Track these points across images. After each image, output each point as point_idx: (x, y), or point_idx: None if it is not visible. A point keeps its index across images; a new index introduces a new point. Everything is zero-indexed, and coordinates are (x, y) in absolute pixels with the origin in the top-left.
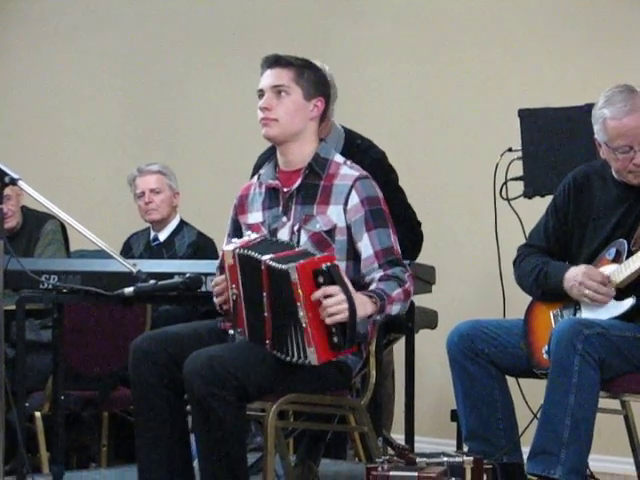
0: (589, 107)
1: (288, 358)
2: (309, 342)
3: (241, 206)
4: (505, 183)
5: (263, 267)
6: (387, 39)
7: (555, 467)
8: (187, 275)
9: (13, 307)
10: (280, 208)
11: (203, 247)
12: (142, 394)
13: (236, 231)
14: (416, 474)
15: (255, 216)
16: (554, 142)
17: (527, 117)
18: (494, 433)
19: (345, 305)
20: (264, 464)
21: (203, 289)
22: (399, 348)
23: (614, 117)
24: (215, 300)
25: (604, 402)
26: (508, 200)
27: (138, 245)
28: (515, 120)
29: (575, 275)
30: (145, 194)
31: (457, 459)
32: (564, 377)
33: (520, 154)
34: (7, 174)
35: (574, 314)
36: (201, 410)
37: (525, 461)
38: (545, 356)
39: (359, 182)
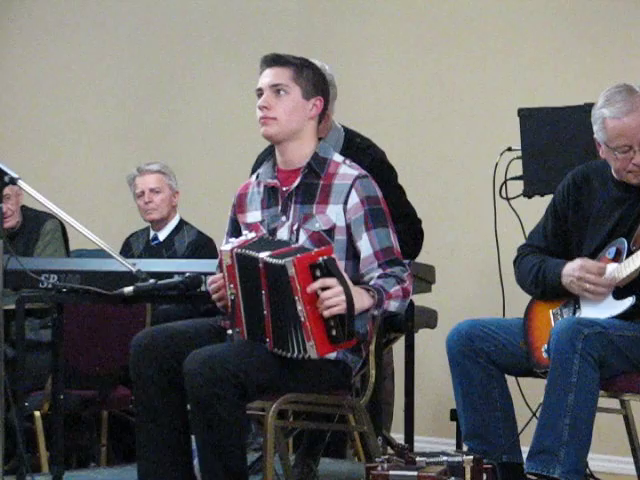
0: (589, 106)
1: (289, 354)
2: (308, 336)
3: (240, 205)
4: (505, 182)
5: (260, 264)
6: (387, 39)
7: (554, 466)
8: (187, 274)
9: (13, 307)
10: (279, 207)
11: (203, 246)
12: (143, 389)
13: (235, 230)
14: (416, 473)
15: (254, 215)
16: (554, 141)
17: (527, 116)
18: (494, 432)
19: (342, 297)
20: (264, 463)
21: (203, 288)
22: (399, 347)
23: (614, 117)
24: (213, 297)
25: (604, 401)
26: (508, 199)
27: (138, 244)
28: (515, 119)
29: (572, 270)
30: (145, 194)
31: (457, 458)
32: (564, 376)
33: (520, 153)
34: (7, 173)
35: (574, 313)
36: (201, 409)
37: (524, 460)
38: (545, 355)
39: (359, 181)
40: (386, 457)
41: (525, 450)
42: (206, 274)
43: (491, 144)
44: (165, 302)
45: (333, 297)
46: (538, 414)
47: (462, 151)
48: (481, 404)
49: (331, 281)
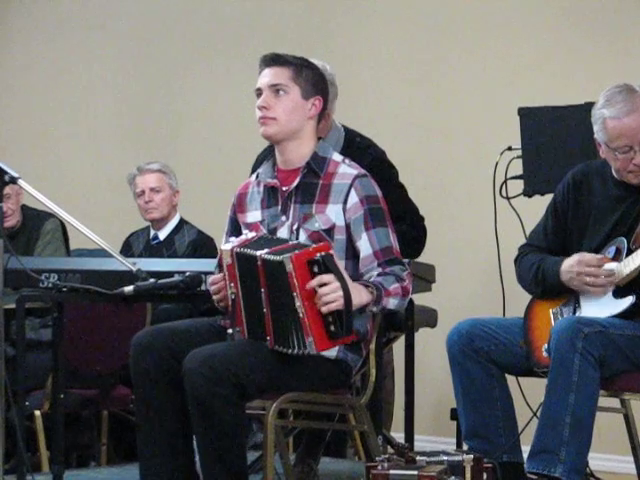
0: (589, 106)
1: (289, 351)
2: (307, 332)
3: (240, 205)
4: (505, 182)
5: (259, 262)
6: (387, 38)
7: (555, 466)
8: (187, 274)
9: (13, 306)
10: (279, 207)
11: (203, 245)
12: (143, 388)
13: (235, 230)
14: (416, 473)
15: (254, 215)
16: (554, 141)
17: (527, 116)
18: (494, 432)
19: (340, 293)
20: (264, 462)
21: (203, 287)
22: (399, 347)
23: (614, 117)
24: (214, 297)
25: (604, 401)
26: (508, 199)
27: (138, 244)
28: (515, 119)
29: (571, 266)
30: (145, 193)
31: (457, 458)
32: (564, 375)
33: (520, 153)
34: (7, 173)
35: (574, 312)
36: (200, 408)
37: (525, 460)
38: (545, 354)
39: (358, 181)
40: (386, 456)
41: (526, 449)
42: (206, 273)
43: (491, 143)
44: (165, 301)
45: (331, 293)
46: (538, 414)
47: (462, 150)
48: (481, 403)
49: (328, 277)
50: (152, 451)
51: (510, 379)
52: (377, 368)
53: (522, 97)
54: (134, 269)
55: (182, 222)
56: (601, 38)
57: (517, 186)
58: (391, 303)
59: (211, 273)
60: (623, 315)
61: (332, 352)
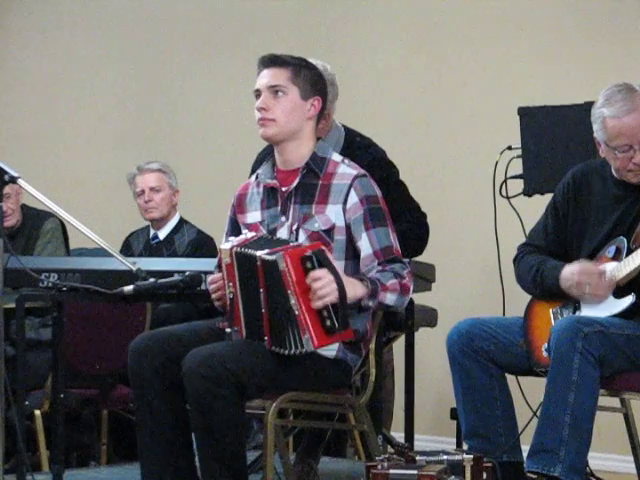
0: (588, 105)
1: (287, 351)
2: (303, 330)
3: (239, 205)
4: (505, 181)
5: (258, 262)
6: (387, 38)
7: (555, 465)
8: (187, 273)
9: (13, 305)
10: (279, 208)
11: (203, 245)
12: (142, 394)
13: (234, 230)
14: (416, 472)
15: (254, 215)
16: (554, 140)
17: (527, 115)
18: (494, 431)
19: (334, 286)
20: (264, 462)
21: (203, 287)
22: (399, 346)
23: (614, 116)
24: (212, 297)
25: (604, 400)
26: (508, 198)
27: (138, 243)
28: (515, 118)
29: (571, 274)
30: (145, 192)
31: (457, 457)
32: (564, 375)
33: (520, 152)
34: (7, 172)
35: (574, 312)
36: (200, 408)
37: (525, 459)
38: (545, 354)
39: (358, 180)
40: (386, 456)
41: (525, 449)
42: (206, 273)
43: (491, 143)
44: (165, 301)
45: (324, 287)
46: (538, 413)
47: (462, 150)
48: (481, 403)
49: (321, 272)
50: (152, 453)
51: (510, 379)
52: (377, 368)
53: (522, 97)
54: (134, 268)
55: (182, 222)
56: (601, 38)
57: (517, 185)
58: (388, 299)
59: (211, 273)
60: (623, 315)
61: (332, 352)
